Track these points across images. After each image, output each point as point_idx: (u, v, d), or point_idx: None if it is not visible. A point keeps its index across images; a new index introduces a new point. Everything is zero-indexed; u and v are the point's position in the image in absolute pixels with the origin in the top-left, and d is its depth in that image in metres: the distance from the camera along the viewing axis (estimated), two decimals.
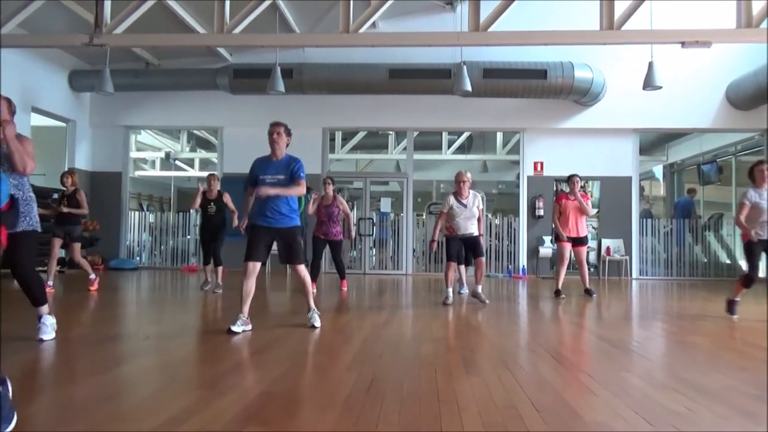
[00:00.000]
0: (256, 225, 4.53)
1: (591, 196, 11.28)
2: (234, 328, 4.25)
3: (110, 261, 11.43)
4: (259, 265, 4.47)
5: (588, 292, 7.44)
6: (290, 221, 4.53)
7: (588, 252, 11.15)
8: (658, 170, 14.96)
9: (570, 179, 7.47)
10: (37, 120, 10.63)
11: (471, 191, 6.67)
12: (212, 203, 7.52)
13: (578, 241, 7.49)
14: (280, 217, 4.47)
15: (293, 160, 4.52)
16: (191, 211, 12.57)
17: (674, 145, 13.76)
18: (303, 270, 4.62)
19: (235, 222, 7.23)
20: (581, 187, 7.79)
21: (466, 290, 7.45)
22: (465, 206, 6.55)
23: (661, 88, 8.69)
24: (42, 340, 3.76)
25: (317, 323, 4.55)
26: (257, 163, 4.60)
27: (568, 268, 7.49)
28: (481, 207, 6.73)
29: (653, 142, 13.61)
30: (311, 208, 7.54)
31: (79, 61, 11.44)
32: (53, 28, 9.00)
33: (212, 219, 7.55)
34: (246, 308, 4.40)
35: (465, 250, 6.77)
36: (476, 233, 6.68)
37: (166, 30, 8.77)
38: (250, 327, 4.40)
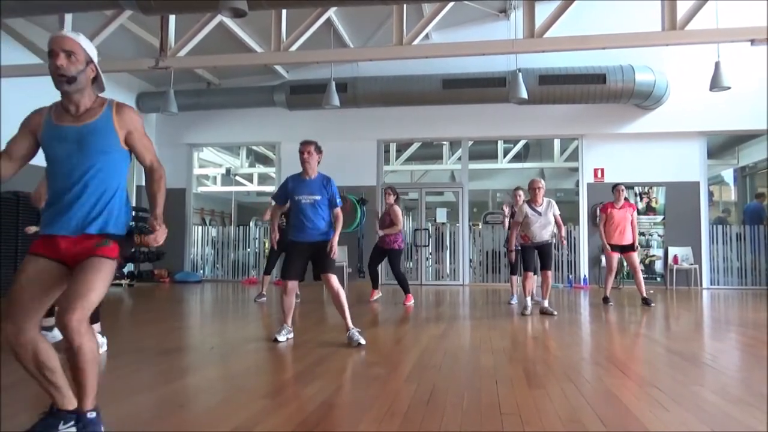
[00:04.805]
0: (294, 241, 4.62)
1: (656, 203, 10.90)
2: (279, 338, 4.53)
3: (176, 274, 11.87)
4: (297, 282, 4.66)
5: (645, 302, 7.26)
6: (328, 236, 4.57)
7: (654, 261, 10.83)
8: (728, 174, 14.23)
9: (615, 189, 7.68)
10: None
11: (545, 198, 6.63)
12: (283, 216, 7.84)
13: (627, 248, 7.51)
14: (319, 233, 4.55)
15: (327, 180, 4.58)
16: (251, 224, 13.04)
17: (745, 148, 13.05)
18: (336, 282, 4.52)
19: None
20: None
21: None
22: (540, 214, 6.52)
23: (729, 88, 8.29)
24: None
25: (362, 340, 4.34)
26: (290, 181, 4.63)
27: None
28: (557, 213, 6.64)
29: (723, 145, 12.95)
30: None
31: (146, 83, 12.01)
32: (122, 53, 9.49)
33: (285, 233, 7.88)
34: (289, 320, 4.67)
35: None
36: (550, 240, 6.62)
37: (226, 51, 9.09)
38: (292, 335, 4.68)
